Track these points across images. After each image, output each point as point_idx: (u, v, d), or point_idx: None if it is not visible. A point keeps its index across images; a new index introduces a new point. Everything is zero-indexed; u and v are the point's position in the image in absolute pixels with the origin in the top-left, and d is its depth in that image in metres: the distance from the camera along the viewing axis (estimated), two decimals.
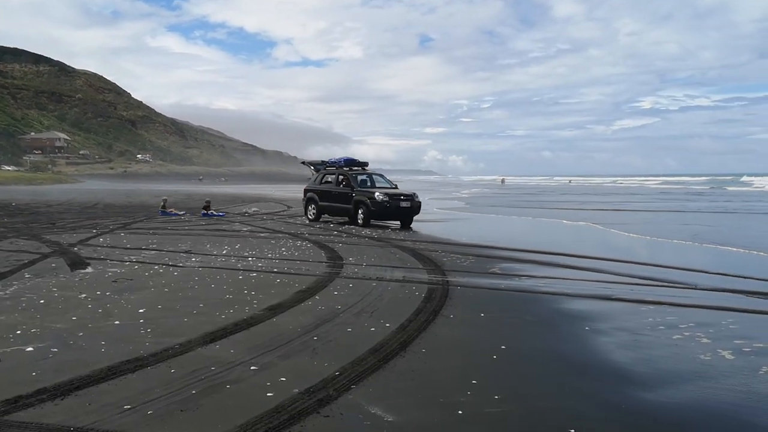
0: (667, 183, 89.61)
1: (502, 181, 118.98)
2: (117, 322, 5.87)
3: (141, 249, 11.54)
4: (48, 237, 13.35)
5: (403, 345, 5.21)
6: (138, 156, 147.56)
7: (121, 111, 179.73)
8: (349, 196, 17.91)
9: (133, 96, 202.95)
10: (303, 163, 22.81)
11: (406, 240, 13.82)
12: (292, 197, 39.90)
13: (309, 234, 15.04)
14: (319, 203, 19.11)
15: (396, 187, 18.92)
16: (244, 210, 24.90)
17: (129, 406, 3.73)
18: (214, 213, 21.40)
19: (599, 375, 4.65)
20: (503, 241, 13.88)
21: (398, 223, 17.86)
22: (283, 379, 4.31)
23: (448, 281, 8.41)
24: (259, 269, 9.31)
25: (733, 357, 5.08)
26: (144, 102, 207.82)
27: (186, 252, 11.19)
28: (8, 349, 4.91)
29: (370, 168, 20.04)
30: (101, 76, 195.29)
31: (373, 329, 5.74)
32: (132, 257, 10.38)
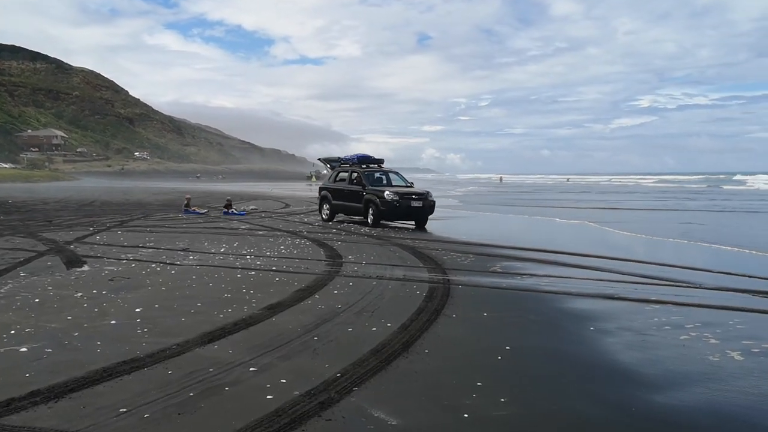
0: (663, 181, 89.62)
1: (500, 179, 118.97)
2: (113, 322, 5.76)
3: (138, 247, 11.42)
4: (44, 235, 13.23)
5: (405, 345, 5.11)
6: (135, 154, 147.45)
7: (118, 108, 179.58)
8: (360, 195, 16.95)
9: (130, 93, 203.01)
10: (319, 160, 22.19)
11: (405, 238, 13.71)
12: (291, 195, 39.85)
13: (308, 232, 14.94)
14: (333, 202, 18.14)
15: (411, 186, 17.80)
16: (243, 207, 24.76)
17: (125, 409, 3.63)
18: (235, 212, 20.85)
19: (607, 377, 4.54)
20: (503, 239, 13.80)
21: (413, 223, 16.90)
22: (284, 380, 4.20)
23: (449, 280, 8.31)
24: (258, 267, 9.20)
25: (742, 358, 4.98)
26: (141, 100, 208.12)
27: (183, 250, 11.07)
28: (1, 350, 4.81)
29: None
30: (98, 74, 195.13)
31: (374, 329, 5.63)
32: (129, 255, 10.26)
